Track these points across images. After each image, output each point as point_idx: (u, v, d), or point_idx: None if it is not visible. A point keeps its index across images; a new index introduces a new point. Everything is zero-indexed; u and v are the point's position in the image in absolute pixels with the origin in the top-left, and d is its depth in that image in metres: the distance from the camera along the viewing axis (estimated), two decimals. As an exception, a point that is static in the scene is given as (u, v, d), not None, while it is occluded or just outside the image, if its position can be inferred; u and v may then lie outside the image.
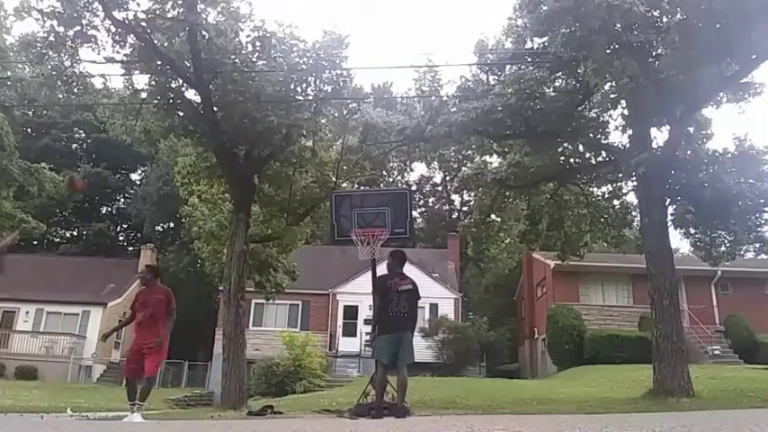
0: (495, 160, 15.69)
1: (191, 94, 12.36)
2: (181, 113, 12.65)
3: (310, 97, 12.64)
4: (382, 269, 7.36)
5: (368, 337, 21.80)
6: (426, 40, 70.80)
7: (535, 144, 13.28)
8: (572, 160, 14.21)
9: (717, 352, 20.27)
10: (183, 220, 20.51)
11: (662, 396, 9.80)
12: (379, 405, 6.86)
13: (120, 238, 45.88)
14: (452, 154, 30.49)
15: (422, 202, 44.44)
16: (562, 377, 18.45)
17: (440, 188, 44.38)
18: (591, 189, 15.51)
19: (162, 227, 41.47)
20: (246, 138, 12.19)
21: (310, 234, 18.05)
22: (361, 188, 25.15)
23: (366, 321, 23.60)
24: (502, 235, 16.38)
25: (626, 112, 12.53)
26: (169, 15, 10.79)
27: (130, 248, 42.30)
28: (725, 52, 9.71)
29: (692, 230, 12.39)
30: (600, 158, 13.99)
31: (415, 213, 38.90)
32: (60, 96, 14.11)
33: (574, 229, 15.36)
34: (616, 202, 15.51)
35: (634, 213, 15.17)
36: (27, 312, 26.65)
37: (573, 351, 20.42)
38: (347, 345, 25.12)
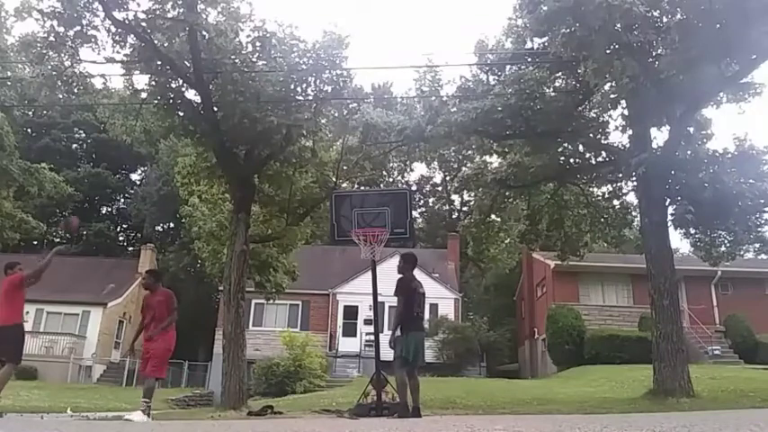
0: (495, 160, 15.71)
1: (191, 94, 12.34)
2: (181, 113, 12.63)
3: (310, 97, 12.62)
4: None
5: (369, 338, 21.81)
6: (426, 40, 70.80)
7: (535, 144, 13.29)
8: (572, 160, 14.22)
9: (717, 352, 20.25)
10: (183, 220, 20.52)
11: (662, 396, 9.79)
12: (405, 404, 6.84)
13: (120, 238, 45.88)
14: (452, 154, 30.48)
15: (422, 202, 44.42)
16: (562, 377, 18.44)
17: (440, 188, 44.35)
18: (591, 189, 15.52)
19: (162, 227, 41.44)
20: (246, 138, 12.18)
21: (310, 234, 18.01)
22: (362, 188, 25.18)
23: (366, 321, 23.59)
24: (502, 235, 16.38)
25: (626, 112, 12.55)
26: (169, 15, 10.78)
27: (130, 248, 42.31)
28: (725, 52, 9.71)
29: (692, 230, 12.39)
30: (600, 158, 14.00)
31: (415, 213, 38.89)
32: (60, 96, 14.10)
33: (574, 229, 15.37)
34: (616, 202, 15.52)
35: (634, 213, 15.18)
36: (27, 312, 26.43)
37: (573, 351, 20.40)
38: (347, 345, 25.10)
